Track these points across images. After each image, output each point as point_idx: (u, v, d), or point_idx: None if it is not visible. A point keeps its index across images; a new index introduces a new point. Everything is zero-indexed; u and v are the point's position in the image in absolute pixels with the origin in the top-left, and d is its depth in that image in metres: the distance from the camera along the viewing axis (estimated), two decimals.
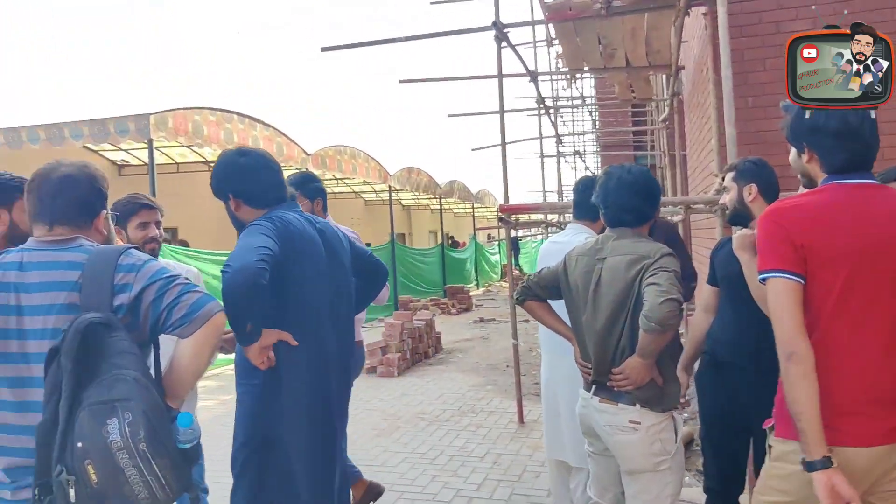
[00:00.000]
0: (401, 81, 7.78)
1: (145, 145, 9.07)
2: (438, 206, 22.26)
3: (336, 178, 16.27)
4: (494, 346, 10.43)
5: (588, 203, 2.90)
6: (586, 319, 2.47)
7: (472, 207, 25.39)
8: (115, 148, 11.67)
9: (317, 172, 14.16)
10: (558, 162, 12.21)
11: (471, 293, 18.33)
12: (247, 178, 2.40)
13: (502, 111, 6.11)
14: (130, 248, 1.81)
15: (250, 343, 2.20)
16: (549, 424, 3.30)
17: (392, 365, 8.41)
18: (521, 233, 23.67)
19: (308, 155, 12.41)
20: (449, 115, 9.05)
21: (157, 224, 2.91)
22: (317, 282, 2.38)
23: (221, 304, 1.81)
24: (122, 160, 12.90)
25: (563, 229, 4.39)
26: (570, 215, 3.48)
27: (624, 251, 2.39)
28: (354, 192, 20.42)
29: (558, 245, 3.17)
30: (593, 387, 2.46)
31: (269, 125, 11.31)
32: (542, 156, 11.07)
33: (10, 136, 8.80)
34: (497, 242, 27.60)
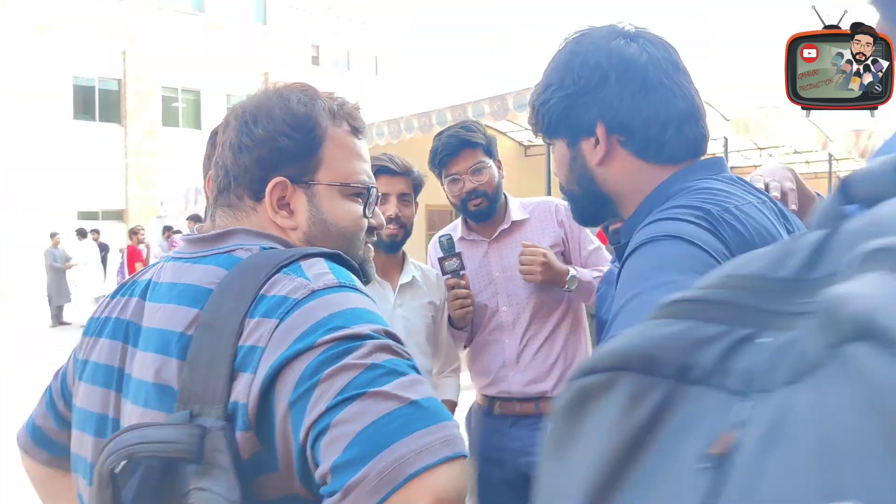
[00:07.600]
0: None
1: None
2: None
3: (759, 148, 13.86)
4: None
5: None
6: None
7: None
8: (520, 127, 11.58)
9: (738, 141, 12.25)
10: None
11: None
12: (647, 89, 0.96)
13: None
14: (309, 254, 0.82)
15: None
16: None
17: None
18: None
19: (727, 120, 10.46)
20: None
21: (404, 199, 1.96)
22: None
23: (452, 424, 0.67)
24: (529, 140, 12.82)
25: None
26: None
27: None
28: (781, 164, 17.52)
29: None
30: None
31: None
32: None
33: (423, 121, 9.12)
34: None
